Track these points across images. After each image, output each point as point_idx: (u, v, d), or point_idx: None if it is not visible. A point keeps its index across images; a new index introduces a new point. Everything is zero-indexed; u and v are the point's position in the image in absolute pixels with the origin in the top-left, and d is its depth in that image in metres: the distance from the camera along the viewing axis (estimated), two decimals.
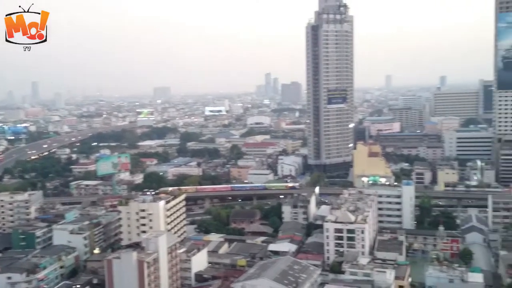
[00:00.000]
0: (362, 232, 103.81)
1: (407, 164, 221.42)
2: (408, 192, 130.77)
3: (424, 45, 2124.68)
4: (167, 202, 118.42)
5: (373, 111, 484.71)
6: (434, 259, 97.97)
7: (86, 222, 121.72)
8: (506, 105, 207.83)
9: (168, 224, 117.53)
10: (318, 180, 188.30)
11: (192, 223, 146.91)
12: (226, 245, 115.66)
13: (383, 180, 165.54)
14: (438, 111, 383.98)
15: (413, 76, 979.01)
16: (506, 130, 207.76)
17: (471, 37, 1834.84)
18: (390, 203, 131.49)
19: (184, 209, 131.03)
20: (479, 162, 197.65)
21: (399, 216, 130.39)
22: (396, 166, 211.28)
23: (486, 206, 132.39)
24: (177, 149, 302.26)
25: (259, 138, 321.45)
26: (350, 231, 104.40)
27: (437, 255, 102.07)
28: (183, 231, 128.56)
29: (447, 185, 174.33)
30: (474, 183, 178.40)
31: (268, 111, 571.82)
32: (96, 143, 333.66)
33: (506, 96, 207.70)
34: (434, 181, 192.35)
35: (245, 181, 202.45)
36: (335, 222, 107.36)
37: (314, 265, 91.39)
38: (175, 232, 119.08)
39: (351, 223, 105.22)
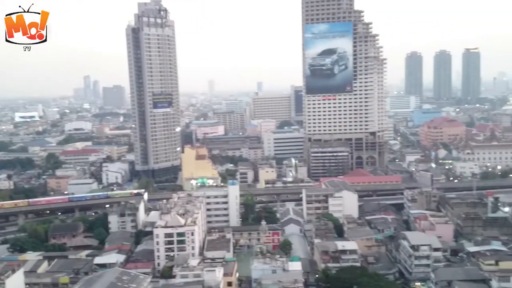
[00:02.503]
0: (192, 234, 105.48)
1: (232, 165, 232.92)
2: (234, 192, 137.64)
3: (242, 53, 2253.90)
4: None
5: (199, 115, 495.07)
6: (258, 253, 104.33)
7: None
8: (314, 108, 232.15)
9: None
10: (146, 186, 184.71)
11: (4, 242, 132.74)
12: (45, 263, 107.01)
13: (210, 181, 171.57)
14: (257, 114, 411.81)
15: (234, 81, 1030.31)
16: (314, 130, 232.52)
17: (284, 46, 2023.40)
18: (217, 203, 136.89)
19: None
20: (293, 160, 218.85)
21: (226, 215, 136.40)
22: (222, 167, 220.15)
23: (301, 200, 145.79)
24: None
25: (79, 145, 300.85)
26: (180, 234, 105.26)
27: (261, 249, 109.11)
28: None
29: (267, 182, 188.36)
30: (290, 179, 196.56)
31: (89, 116, 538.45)
32: None
33: (313, 100, 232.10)
34: (256, 179, 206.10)
35: (65, 192, 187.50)
36: (165, 227, 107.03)
37: (144, 273, 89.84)
38: None
39: (181, 226, 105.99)
